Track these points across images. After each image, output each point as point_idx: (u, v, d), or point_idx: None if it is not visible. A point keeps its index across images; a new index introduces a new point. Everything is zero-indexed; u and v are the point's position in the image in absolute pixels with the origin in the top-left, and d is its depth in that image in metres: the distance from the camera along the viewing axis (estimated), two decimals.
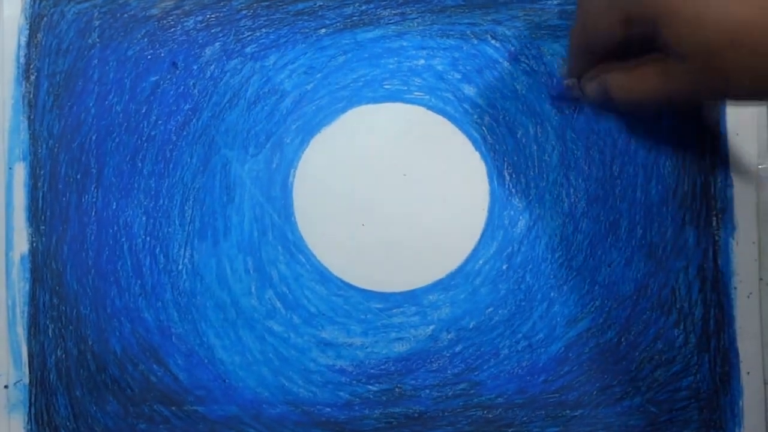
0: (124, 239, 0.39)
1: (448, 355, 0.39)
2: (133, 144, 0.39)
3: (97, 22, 0.39)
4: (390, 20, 0.40)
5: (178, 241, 0.39)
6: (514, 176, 0.39)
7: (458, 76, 0.40)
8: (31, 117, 0.39)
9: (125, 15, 0.39)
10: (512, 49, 0.39)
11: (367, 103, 0.40)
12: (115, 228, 0.39)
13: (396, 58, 0.40)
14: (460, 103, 0.39)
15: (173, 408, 0.39)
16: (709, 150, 0.39)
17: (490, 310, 0.39)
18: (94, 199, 0.39)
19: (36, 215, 0.39)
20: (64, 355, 0.39)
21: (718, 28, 0.28)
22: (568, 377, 0.39)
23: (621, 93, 0.33)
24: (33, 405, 0.38)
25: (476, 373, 0.39)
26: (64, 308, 0.39)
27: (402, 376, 0.39)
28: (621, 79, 0.33)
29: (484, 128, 0.39)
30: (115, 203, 0.39)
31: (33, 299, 0.39)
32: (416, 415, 0.39)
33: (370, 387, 0.39)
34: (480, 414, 0.39)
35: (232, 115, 0.39)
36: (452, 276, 0.39)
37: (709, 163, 0.39)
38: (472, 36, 0.40)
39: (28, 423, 0.38)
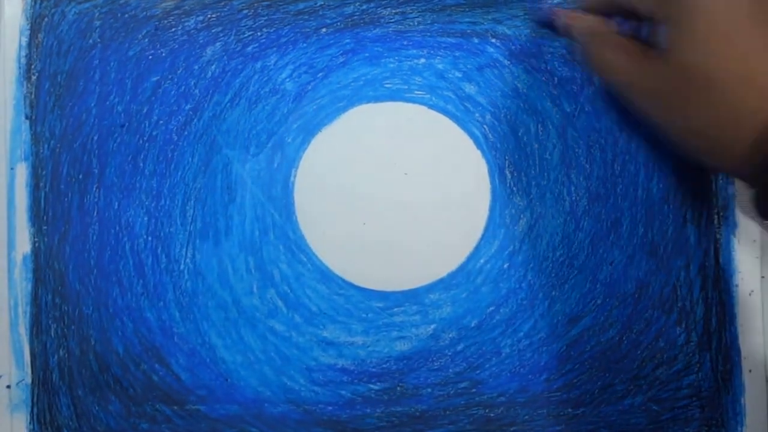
0: (126, 239, 0.39)
1: (449, 353, 0.39)
2: (135, 144, 0.39)
3: (98, 23, 0.39)
4: (390, 19, 0.40)
5: (179, 241, 0.39)
6: (515, 174, 0.39)
7: (459, 74, 0.40)
8: (33, 117, 0.39)
9: (126, 15, 0.39)
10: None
11: (368, 102, 0.40)
12: (117, 228, 0.39)
13: (396, 57, 0.40)
14: (461, 101, 0.39)
15: (175, 407, 0.39)
16: None
17: (491, 308, 0.39)
18: (96, 199, 0.39)
19: (38, 215, 0.39)
20: (66, 355, 0.39)
21: (728, 57, 0.25)
22: (570, 376, 0.39)
23: (597, 54, 0.33)
24: (35, 405, 0.38)
25: (478, 371, 0.39)
26: (66, 308, 0.39)
27: (403, 374, 0.39)
28: (606, 44, 0.33)
29: (485, 127, 0.39)
30: (116, 203, 0.39)
31: (35, 299, 0.39)
32: (418, 413, 0.39)
33: (371, 386, 0.39)
34: (482, 413, 0.39)
35: (233, 115, 0.39)
36: (453, 275, 0.39)
37: None
38: (473, 35, 0.39)
39: (30, 423, 0.38)
